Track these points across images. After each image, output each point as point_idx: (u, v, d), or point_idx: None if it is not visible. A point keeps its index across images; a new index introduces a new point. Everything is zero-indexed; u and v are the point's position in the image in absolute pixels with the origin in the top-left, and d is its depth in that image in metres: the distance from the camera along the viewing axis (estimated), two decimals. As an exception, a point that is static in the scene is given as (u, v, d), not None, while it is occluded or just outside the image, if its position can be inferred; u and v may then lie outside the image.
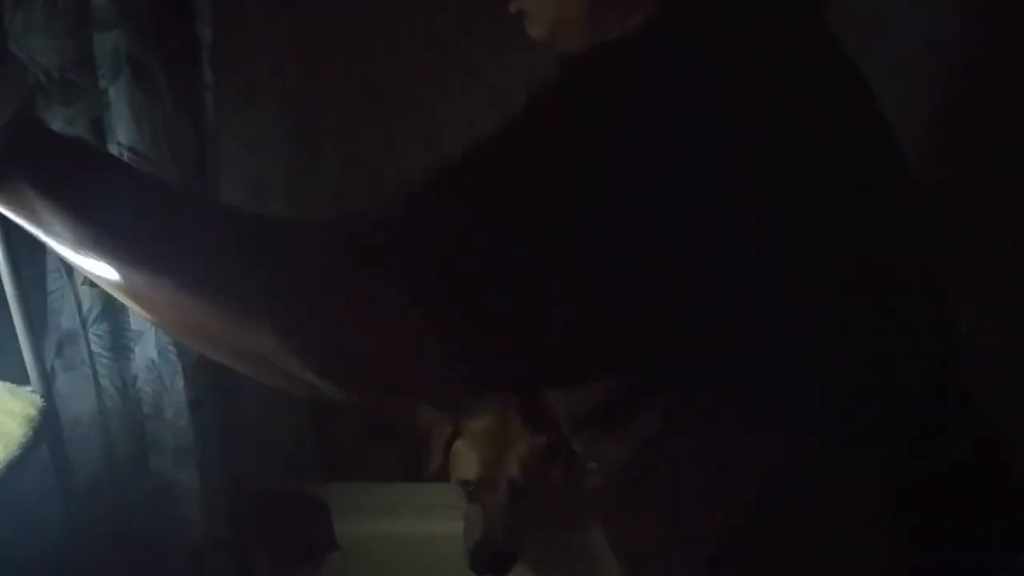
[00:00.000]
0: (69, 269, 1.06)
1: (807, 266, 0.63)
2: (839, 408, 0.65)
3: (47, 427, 0.99)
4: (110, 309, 1.09)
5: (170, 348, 1.10)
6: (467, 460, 1.30)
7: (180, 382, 1.12)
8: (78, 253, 0.59)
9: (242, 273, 0.58)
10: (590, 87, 0.60)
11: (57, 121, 0.97)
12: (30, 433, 0.94)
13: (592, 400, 0.70)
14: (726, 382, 0.64)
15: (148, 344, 1.11)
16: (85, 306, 1.08)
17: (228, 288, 0.57)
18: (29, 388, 1.00)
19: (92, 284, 1.06)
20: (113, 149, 0.98)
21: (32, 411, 0.97)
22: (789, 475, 0.66)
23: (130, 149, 0.98)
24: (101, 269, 0.59)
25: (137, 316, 1.10)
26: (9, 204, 0.60)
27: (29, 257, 0.96)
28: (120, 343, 1.11)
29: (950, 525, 0.69)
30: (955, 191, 1.43)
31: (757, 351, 0.62)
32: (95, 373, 1.11)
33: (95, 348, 1.10)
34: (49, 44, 0.93)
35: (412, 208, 0.59)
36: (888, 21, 1.41)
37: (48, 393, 1.01)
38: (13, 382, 1.01)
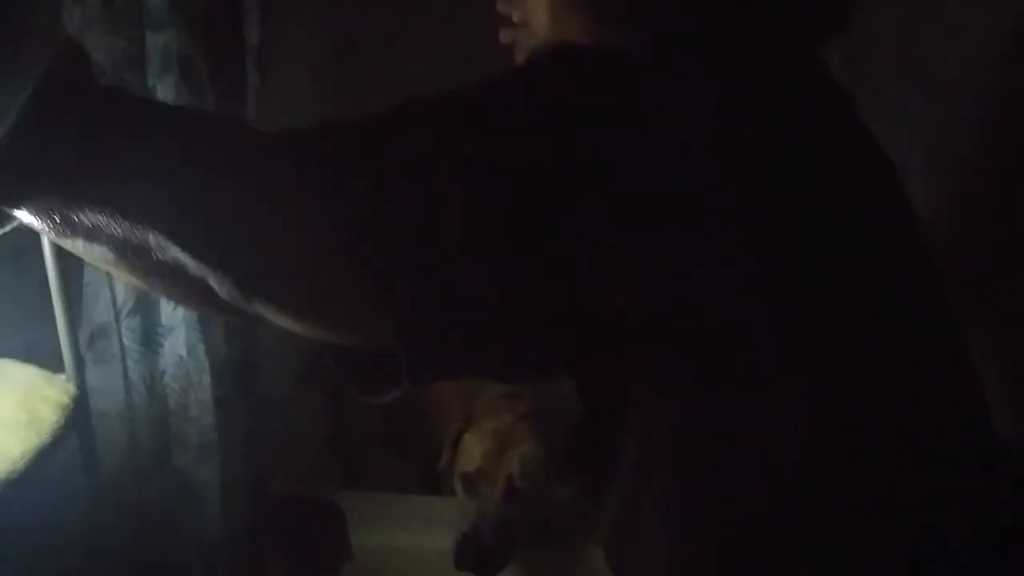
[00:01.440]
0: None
1: (807, 293, 0.61)
2: (840, 431, 0.62)
3: (78, 416, 1.00)
4: (144, 303, 1.10)
5: (199, 345, 1.11)
6: (471, 452, 1.29)
7: (207, 380, 1.13)
8: None
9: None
10: (587, 98, 0.58)
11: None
12: (62, 421, 0.96)
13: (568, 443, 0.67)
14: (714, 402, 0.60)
15: (178, 340, 1.12)
16: (119, 299, 1.09)
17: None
18: (63, 376, 1.02)
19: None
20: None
21: (65, 399, 0.98)
22: (774, 506, 0.62)
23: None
24: None
25: (169, 312, 1.11)
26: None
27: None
28: (151, 338, 1.13)
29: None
30: (995, 219, 1.42)
31: (750, 369, 0.60)
32: (125, 367, 1.12)
33: (127, 342, 1.11)
34: (104, 41, 0.96)
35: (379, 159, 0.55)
36: (924, 51, 1.41)
37: (81, 382, 1.02)
38: (48, 369, 1.02)
